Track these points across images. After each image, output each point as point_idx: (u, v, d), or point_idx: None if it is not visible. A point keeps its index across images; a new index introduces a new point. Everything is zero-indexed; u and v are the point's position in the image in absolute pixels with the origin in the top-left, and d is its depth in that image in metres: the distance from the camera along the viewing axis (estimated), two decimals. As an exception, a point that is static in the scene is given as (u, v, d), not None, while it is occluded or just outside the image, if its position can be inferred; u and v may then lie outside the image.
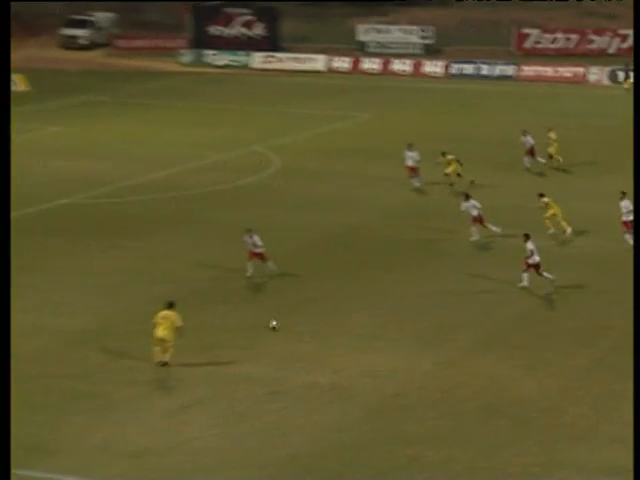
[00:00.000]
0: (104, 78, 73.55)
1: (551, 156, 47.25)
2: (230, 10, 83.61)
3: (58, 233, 37.86)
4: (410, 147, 43.71)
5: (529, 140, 46.82)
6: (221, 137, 54.58)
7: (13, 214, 39.90)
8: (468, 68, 77.40)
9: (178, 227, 38.71)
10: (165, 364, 26.39)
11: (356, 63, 79.31)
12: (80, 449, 22.79)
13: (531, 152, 46.84)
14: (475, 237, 36.76)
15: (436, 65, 77.98)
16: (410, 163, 43.44)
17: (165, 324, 26.14)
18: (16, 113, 60.28)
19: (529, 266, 32.06)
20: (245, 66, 79.24)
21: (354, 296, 31.96)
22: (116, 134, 55.26)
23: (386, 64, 78.89)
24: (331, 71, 78.32)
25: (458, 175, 43.47)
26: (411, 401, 25.06)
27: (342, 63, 79.42)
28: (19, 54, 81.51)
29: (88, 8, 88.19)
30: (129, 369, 26.68)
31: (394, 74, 77.65)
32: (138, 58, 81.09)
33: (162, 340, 26.17)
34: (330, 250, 36.44)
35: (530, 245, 32.02)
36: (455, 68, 77.63)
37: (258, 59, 79.85)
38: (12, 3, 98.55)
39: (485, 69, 77.10)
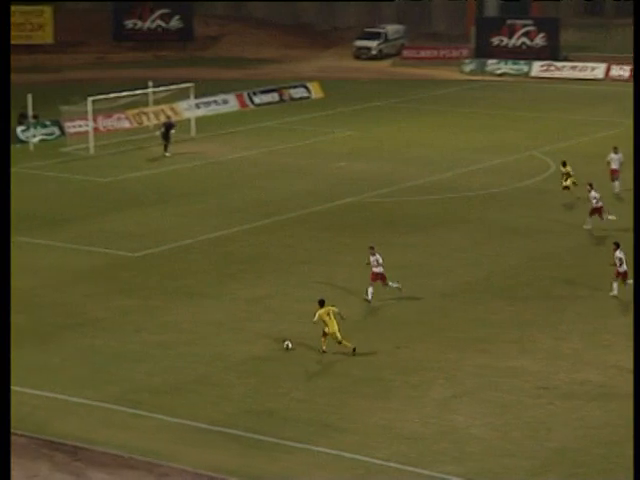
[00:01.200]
0: (392, 86, 74.15)
1: None
2: (513, 22, 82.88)
3: (343, 229, 38.40)
4: (616, 150, 42.94)
5: None
6: (500, 141, 53.94)
7: (303, 211, 41.24)
8: None
9: (453, 226, 38.54)
10: (354, 350, 26.63)
11: (635, 71, 76.65)
12: (362, 430, 23.08)
13: None
14: (589, 226, 36.90)
15: None
16: (614, 166, 42.67)
17: (331, 319, 26.51)
18: (311, 118, 62.20)
19: (619, 274, 30.55)
20: (524, 74, 78.14)
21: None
22: (401, 138, 55.59)
23: (666, 72, 75.72)
24: (610, 79, 75.98)
25: (565, 188, 41.37)
26: (677, 403, 23.95)
27: (622, 72, 76.82)
28: (316, 64, 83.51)
29: (382, 21, 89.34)
30: (404, 357, 26.79)
31: (673, 82, 74.49)
32: (424, 67, 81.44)
33: (333, 334, 26.49)
34: (591, 251, 35.60)
35: (619, 254, 30.43)
36: None
37: (537, 67, 78.54)
38: (310, 16, 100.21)
39: None
